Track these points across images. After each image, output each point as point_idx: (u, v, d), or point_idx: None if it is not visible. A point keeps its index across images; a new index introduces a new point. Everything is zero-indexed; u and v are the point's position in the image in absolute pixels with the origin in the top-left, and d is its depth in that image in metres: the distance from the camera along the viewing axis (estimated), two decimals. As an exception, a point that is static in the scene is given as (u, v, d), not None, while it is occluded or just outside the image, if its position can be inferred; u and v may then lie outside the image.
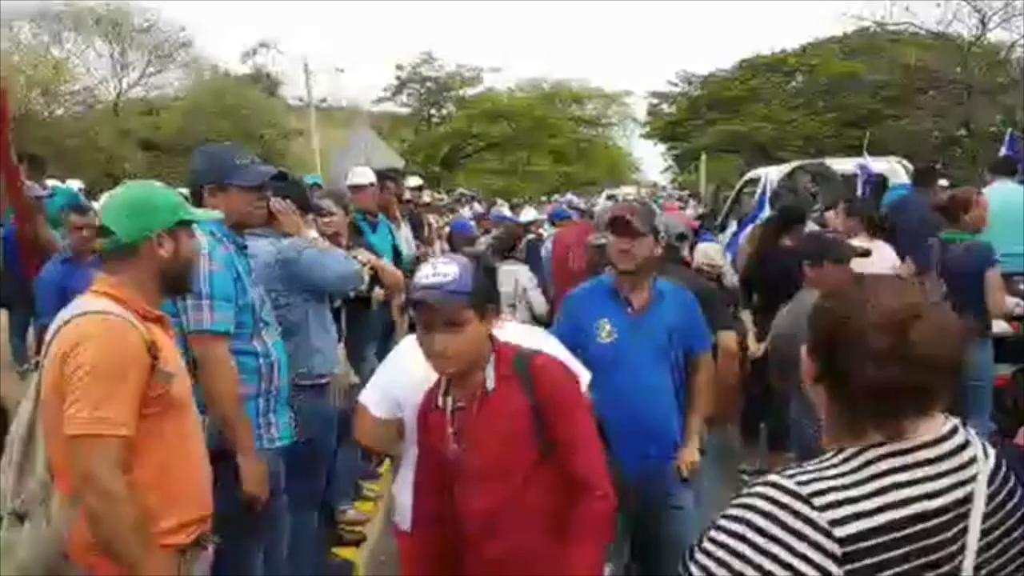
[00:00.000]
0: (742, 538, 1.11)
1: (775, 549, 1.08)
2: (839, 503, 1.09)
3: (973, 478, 1.14)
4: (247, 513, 2.53)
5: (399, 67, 36.60)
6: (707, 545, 1.14)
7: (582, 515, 1.92)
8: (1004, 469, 1.19)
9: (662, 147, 37.00)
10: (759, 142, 28.38)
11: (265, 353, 2.71)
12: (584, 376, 2.30)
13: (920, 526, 1.09)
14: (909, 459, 1.13)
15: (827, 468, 1.15)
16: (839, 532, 1.07)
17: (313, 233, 3.48)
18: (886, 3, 23.87)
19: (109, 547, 1.81)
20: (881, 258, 4.70)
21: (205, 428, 2.48)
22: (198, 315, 2.51)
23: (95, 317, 1.87)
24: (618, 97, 37.27)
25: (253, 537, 2.65)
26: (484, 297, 1.96)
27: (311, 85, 22.54)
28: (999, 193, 6.01)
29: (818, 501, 1.10)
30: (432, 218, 7.99)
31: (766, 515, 1.11)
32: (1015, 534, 1.16)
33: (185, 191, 2.85)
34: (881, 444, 1.14)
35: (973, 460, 1.16)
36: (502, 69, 37.74)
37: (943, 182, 6.63)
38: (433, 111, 37.97)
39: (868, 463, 1.13)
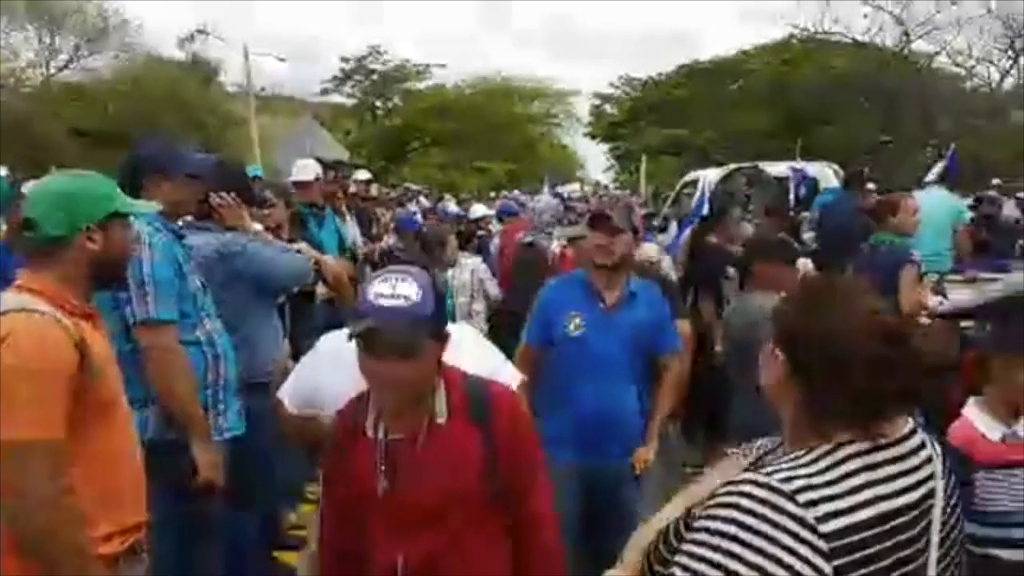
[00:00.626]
0: (734, 538, 1.08)
1: (771, 548, 1.06)
2: (818, 501, 1.09)
3: (931, 476, 1.18)
4: (188, 511, 2.49)
5: (344, 59, 36.21)
6: (693, 548, 1.11)
7: (534, 560, 1.77)
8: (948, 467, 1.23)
9: (605, 147, 37.66)
10: (698, 145, 29.11)
11: (210, 342, 2.67)
12: (516, 379, 2.31)
13: (891, 523, 1.10)
14: (878, 457, 1.15)
15: (800, 467, 1.13)
16: (823, 528, 1.07)
17: (257, 226, 3.42)
18: (818, 13, 24.71)
19: (38, 555, 1.70)
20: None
21: (150, 420, 2.47)
22: (142, 305, 2.46)
23: (18, 315, 1.74)
24: (563, 96, 37.64)
25: (193, 537, 2.61)
26: (443, 319, 1.72)
27: (251, 73, 21.98)
28: (932, 198, 6.33)
29: (801, 498, 1.09)
30: (380, 211, 7.92)
31: (755, 514, 1.08)
32: (959, 527, 1.23)
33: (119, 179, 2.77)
34: (850, 442, 1.15)
35: (930, 459, 1.19)
36: (448, 65, 37.59)
37: (870, 186, 6.94)
38: (378, 104, 37.59)
39: (839, 462, 1.13)
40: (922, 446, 1.20)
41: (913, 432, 1.19)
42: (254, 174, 4.04)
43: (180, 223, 2.82)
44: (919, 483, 1.15)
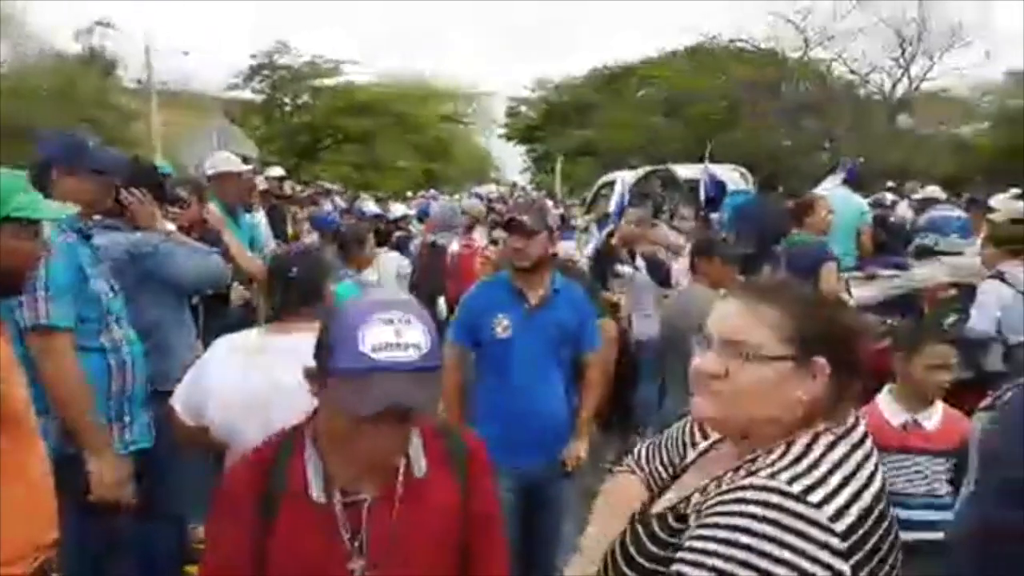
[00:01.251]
0: (749, 548, 1.04)
1: (790, 556, 1.03)
2: (828, 497, 1.08)
3: (877, 463, 1.20)
4: (96, 527, 2.36)
5: (252, 55, 35.09)
6: (703, 559, 1.07)
7: None
8: None
9: (521, 148, 37.98)
10: (611, 147, 29.80)
11: (115, 349, 2.56)
12: None
13: (880, 505, 1.12)
14: (853, 440, 1.17)
15: (793, 463, 1.12)
16: (839, 527, 1.06)
17: (170, 226, 3.27)
18: (723, 21, 25.81)
19: None
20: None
21: (50, 431, 2.31)
22: (33, 310, 2.33)
23: None
24: (478, 97, 37.69)
25: (103, 554, 2.47)
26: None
27: (152, 67, 21.01)
28: (838, 199, 6.64)
29: (812, 498, 1.07)
30: (294, 210, 7.71)
31: (770, 521, 1.05)
32: None
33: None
34: (826, 431, 1.16)
35: (874, 448, 1.22)
36: (361, 62, 36.95)
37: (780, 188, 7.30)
38: (287, 100, 36.62)
39: (825, 453, 1.13)
40: (866, 433, 1.23)
41: (859, 420, 1.22)
42: (165, 171, 3.85)
43: (89, 222, 2.67)
44: (876, 466, 1.18)
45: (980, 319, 4.07)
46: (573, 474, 3.09)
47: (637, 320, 5.20)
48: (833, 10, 25.08)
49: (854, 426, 1.19)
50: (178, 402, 2.24)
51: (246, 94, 35.80)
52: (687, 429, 1.43)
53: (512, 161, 39.30)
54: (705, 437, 1.37)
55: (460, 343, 3.09)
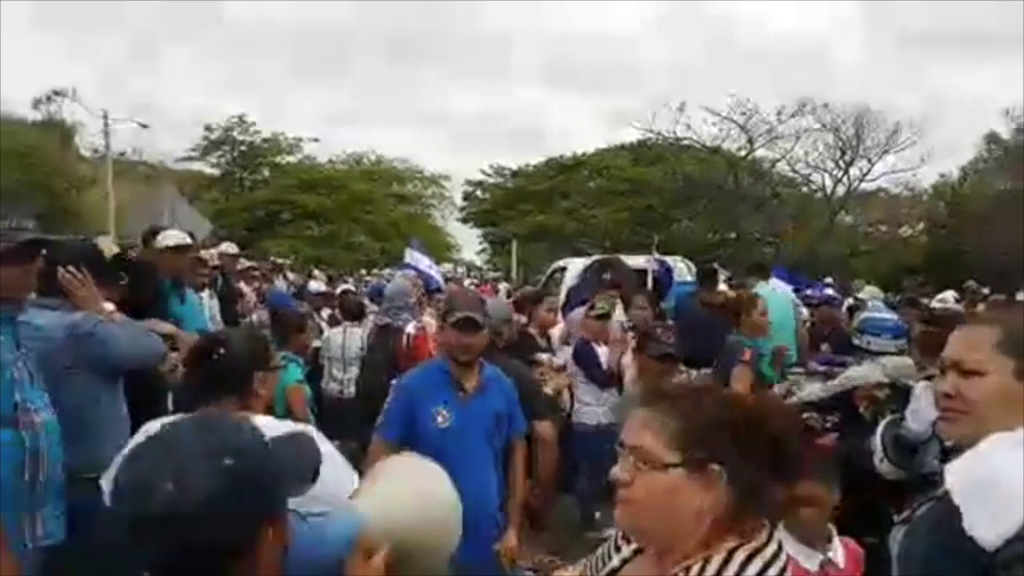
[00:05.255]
0: None
1: None
2: None
3: None
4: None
5: (208, 127, 35.25)
6: None
7: None
8: None
9: (478, 230, 38.64)
10: (563, 234, 30.51)
11: (31, 439, 2.41)
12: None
13: None
14: (766, 557, 1.16)
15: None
16: None
17: (109, 306, 3.19)
18: (671, 117, 27.08)
19: None
20: None
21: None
22: None
23: None
24: (436, 179, 38.43)
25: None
26: None
27: (110, 138, 20.93)
28: (775, 296, 6.84)
29: None
30: (245, 288, 7.58)
31: None
32: None
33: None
34: (739, 547, 1.15)
35: (787, 561, 1.22)
36: (321, 140, 37.47)
37: (723, 281, 7.47)
38: (246, 175, 36.68)
39: (742, 568, 1.13)
40: (781, 546, 1.23)
41: (772, 534, 1.22)
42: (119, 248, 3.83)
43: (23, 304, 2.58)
44: None
45: (915, 421, 4.17)
46: (506, 566, 3.04)
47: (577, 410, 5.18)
48: (776, 112, 26.57)
49: (767, 542, 1.17)
50: (105, 487, 2.13)
51: (202, 166, 35.85)
52: (616, 535, 1.41)
53: (469, 243, 39.87)
54: (629, 543, 1.36)
55: (393, 440, 2.91)
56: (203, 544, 1.07)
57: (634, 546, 1.34)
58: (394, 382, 3.27)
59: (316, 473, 1.26)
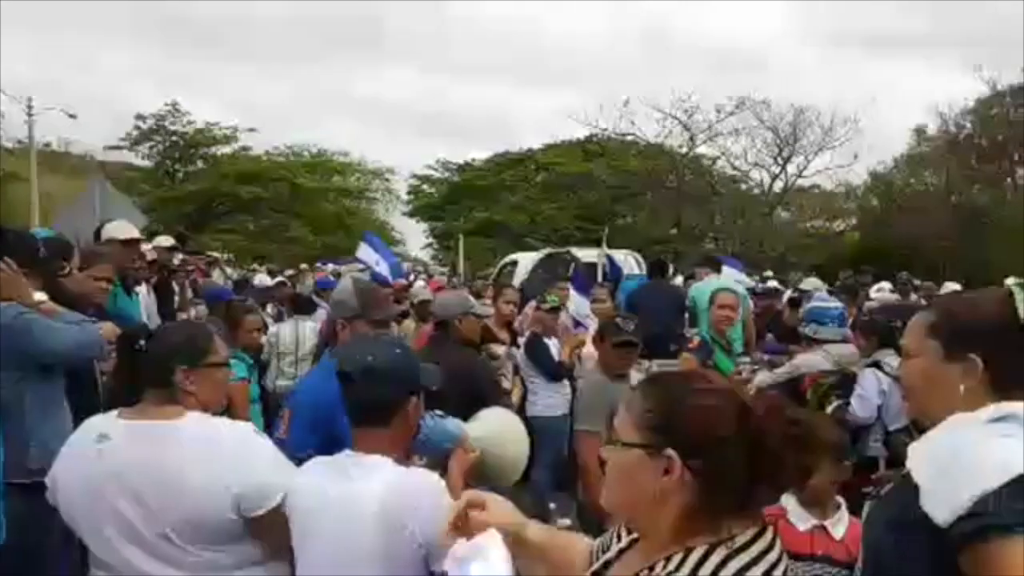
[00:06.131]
0: None
1: None
2: None
3: (784, 572, 1.20)
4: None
5: (140, 116, 33.96)
6: None
7: None
8: None
9: (423, 225, 38.32)
10: (510, 229, 30.62)
11: None
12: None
13: None
14: (752, 555, 1.15)
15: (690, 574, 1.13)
16: None
17: (40, 296, 3.01)
18: (616, 113, 27.46)
19: None
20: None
21: None
22: None
23: None
24: (380, 173, 37.94)
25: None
26: None
27: (35, 127, 19.99)
28: (711, 287, 6.96)
29: None
30: (182, 282, 7.29)
31: None
32: None
33: None
34: (722, 543, 1.15)
35: (782, 555, 1.21)
36: (259, 130, 36.45)
37: (672, 273, 7.59)
38: (179, 166, 35.48)
39: (717, 570, 1.13)
40: (774, 541, 1.22)
41: (764, 529, 1.22)
42: (46, 236, 3.60)
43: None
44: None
45: (861, 407, 4.29)
46: None
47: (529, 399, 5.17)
48: (716, 110, 27.13)
49: (754, 539, 1.18)
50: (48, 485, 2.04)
51: (133, 158, 34.56)
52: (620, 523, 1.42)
53: (414, 237, 39.50)
54: (629, 532, 1.36)
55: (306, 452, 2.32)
56: (380, 394, 1.86)
57: (633, 535, 1.34)
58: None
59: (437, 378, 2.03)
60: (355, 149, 41.38)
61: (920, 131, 27.85)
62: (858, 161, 27.21)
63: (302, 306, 6.35)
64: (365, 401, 1.86)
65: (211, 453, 1.89)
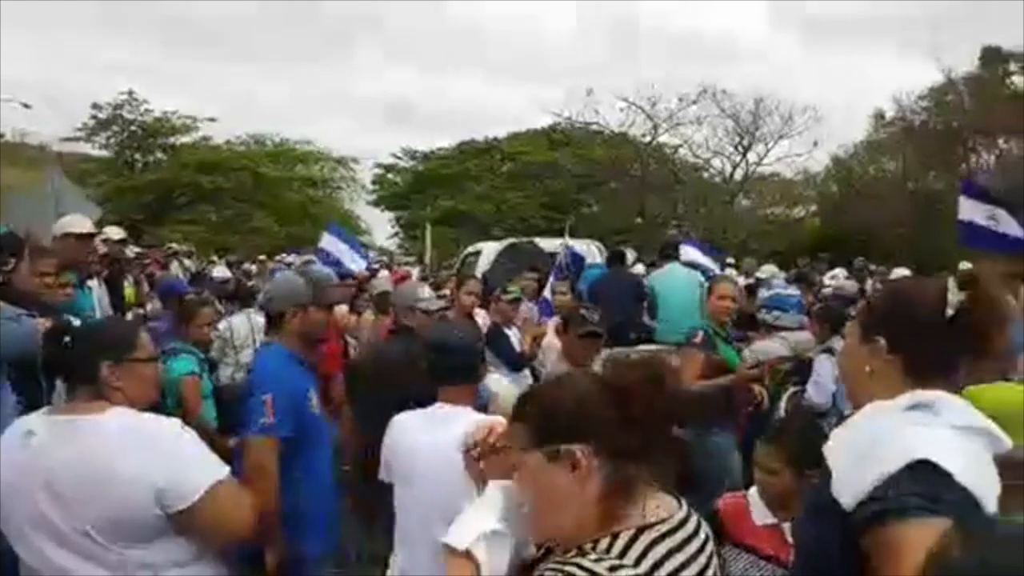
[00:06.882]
0: None
1: None
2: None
3: (710, 557, 1.25)
4: None
5: (96, 106, 33.08)
6: None
7: None
8: None
9: (389, 214, 37.99)
10: (476, 218, 30.50)
11: None
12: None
13: None
14: (677, 539, 1.20)
15: (618, 556, 1.16)
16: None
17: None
18: (581, 103, 27.46)
19: None
20: None
21: None
22: None
23: None
24: (344, 162, 37.45)
25: None
26: None
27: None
28: (678, 277, 7.01)
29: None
30: (136, 275, 7.15)
31: None
32: None
33: None
34: (650, 526, 1.20)
35: (707, 540, 1.27)
36: (219, 119, 35.65)
37: (632, 261, 7.60)
38: (138, 156, 34.69)
39: (648, 548, 1.17)
40: (699, 527, 1.26)
41: (690, 514, 1.25)
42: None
43: None
44: (706, 565, 1.21)
45: (817, 393, 4.38)
46: None
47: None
48: (678, 99, 27.27)
49: (678, 525, 1.23)
50: None
51: (89, 148, 33.67)
52: None
53: (380, 227, 39.09)
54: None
55: (286, 434, 2.72)
56: (468, 361, 2.64)
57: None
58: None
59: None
60: (316, 138, 40.45)
61: (879, 117, 28.32)
62: (818, 148, 27.65)
63: (251, 298, 6.20)
64: (460, 365, 2.61)
65: (134, 447, 1.85)
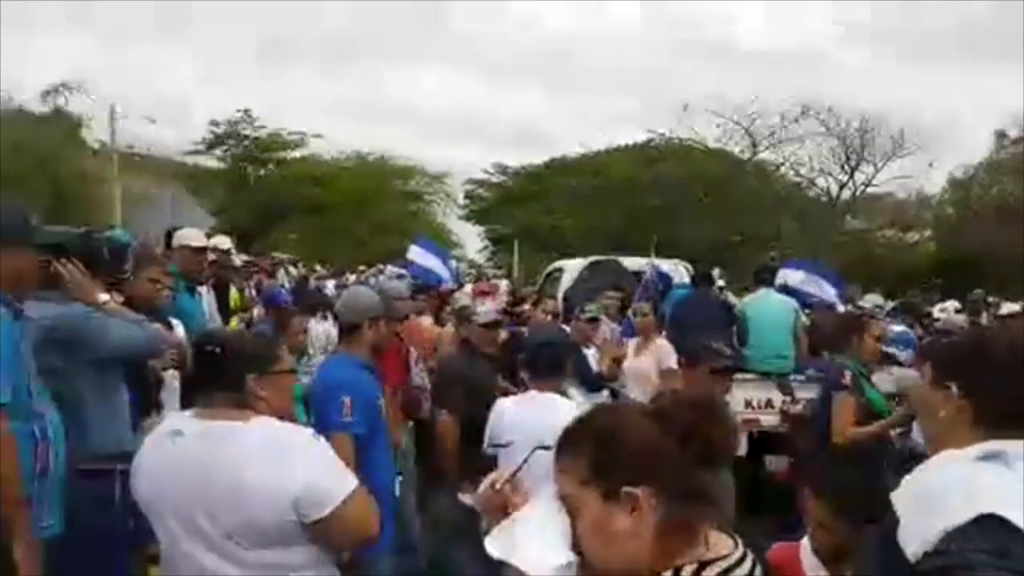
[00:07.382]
0: None
1: None
2: None
3: None
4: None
5: (214, 122, 35.40)
6: None
7: None
8: None
9: (479, 228, 38.69)
10: (562, 234, 30.48)
11: (40, 430, 2.45)
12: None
13: None
14: (739, 575, 1.21)
15: None
16: None
17: (103, 296, 3.20)
18: (674, 118, 27.10)
19: None
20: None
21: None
22: None
23: None
24: (439, 177, 38.46)
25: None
26: None
27: (117, 131, 20.96)
28: (774, 303, 6.77)
29: None
30: (242, 283, 7.56)
31: None
32: None
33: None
34: (711, 562, 1.20)
35: None
36: (326, 136, 37.40)
37: (720, 283, 7.36)
38: (251, 169, 36.81)
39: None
40: (754, 567, 1.25)
41: (746, 554, 1.25)
42: (123, 240, 3.83)
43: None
44: None
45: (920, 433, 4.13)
46: None
47: None
48: (780, 116, 26.47)
49: (740, 560, 1.22)
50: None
51: (208, 161, 35.94)
52: None
53: (471, 240, 39.84)
54: None
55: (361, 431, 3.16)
56: (562, 356, 3.67)
57: None
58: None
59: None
60: (412, 153, 41.71)
61: (1001, 135, 26.61)
62: (934, 169, 26.17)
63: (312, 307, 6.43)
64: (557, 359, 3.50)
65: (274, 456, 1.94)
